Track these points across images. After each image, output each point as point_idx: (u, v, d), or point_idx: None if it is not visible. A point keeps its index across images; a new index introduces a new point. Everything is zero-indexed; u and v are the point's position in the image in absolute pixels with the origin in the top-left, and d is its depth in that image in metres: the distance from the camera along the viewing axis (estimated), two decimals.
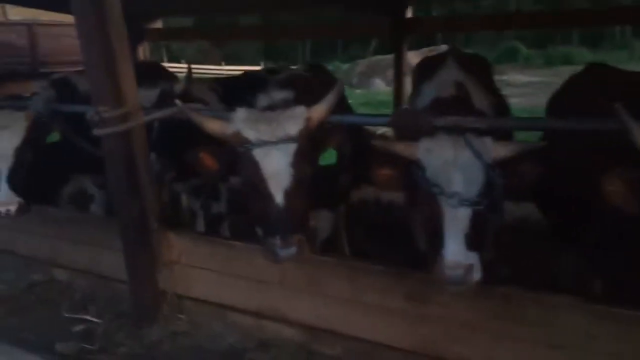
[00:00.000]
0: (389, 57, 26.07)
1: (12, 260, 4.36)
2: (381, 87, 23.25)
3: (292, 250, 2.44)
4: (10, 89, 8.91)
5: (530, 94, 15.52)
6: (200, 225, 4.86)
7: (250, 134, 2.55)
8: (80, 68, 8.68)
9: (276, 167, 2.50)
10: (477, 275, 2.24)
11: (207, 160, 2.79)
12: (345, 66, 28.23)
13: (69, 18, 9.52)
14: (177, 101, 2.86)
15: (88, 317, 3.73)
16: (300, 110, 2.65)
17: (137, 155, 3.36)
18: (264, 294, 3.25)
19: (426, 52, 23.75)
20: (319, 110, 2.69)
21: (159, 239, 3.53)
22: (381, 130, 5.57)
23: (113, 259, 3.84)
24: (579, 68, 4.21)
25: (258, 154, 2.52)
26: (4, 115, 3.78)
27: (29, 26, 8.98)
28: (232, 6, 8.48)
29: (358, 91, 21.55)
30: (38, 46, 9.10)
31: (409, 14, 7.15)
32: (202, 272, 3.50)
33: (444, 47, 25.48)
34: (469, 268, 2.21)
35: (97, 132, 3.25)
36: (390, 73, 25.29)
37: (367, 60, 27.37)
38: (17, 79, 8.92)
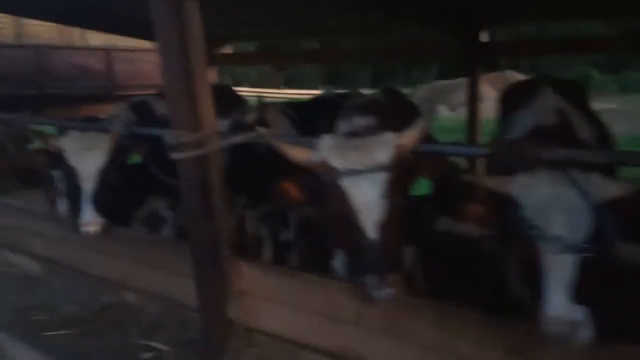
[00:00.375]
0: (453, 82, 25.71)
1: (85, 280, 4.38)
2: (444, 113, 22.85)
3: (389, 291, 2.25)
4: (87, 110, 9.27)
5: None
6: (267, 253, 4.76)
7: (337, 162, 2.41)
8: (153, 91, 8.96)
9: (368, 198, 2.34)
10: (585, 332, 1.98)
11: (291, 190, 2.66)
12: (407, 91, 27.95)
13: (144, 44, 9.95)
14: (260, 127, 2.75)
15: (157, 345, 3.66)
16: (390, 137, 2.49)
17: (213, 180, 3.29)
18: (339, 332, 3.07)
19: (492, 77, 23.32)
20: (410, 137, 2.52)
21: (230, 267, 3.43)
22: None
23: (184, 285, 3.77)
24: None
25: (347, 183, 2.36)
26: (89, 137, 3.84)
27: (107, 51, 9.31)
28: (296, 31, 8.51)
29: None
30: (115, 70, 9.42)
31: (484, 37, 6.92)
32: (274, 304, 3.36)
33: (510, 73, 25.02)
34: (576, 324, 1.96)
35: (173, 156, 3.20)
36: (454, 98, 25.01)
37: (429, 85, 27.00)
38: (94, 101, 9.25)
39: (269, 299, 3.38)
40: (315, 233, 3.51)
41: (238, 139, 3.20)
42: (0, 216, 5.04)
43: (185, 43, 3.05)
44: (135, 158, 4.08)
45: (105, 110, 10.03)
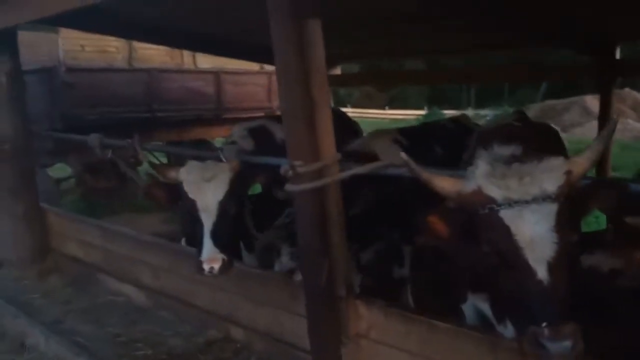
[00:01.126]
0: (563, 102, 24.09)
1: (190, 312, 4.21)
2: None
3: (566, 343, 1.81)
4: (196, 133, 9.42)
5: None
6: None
7: (495, 192, 2.00)
8: (260, 114, 8.89)
9: (536, 233, 1.93)
10: None
11: (437, 225, 2.27)
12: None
13: (251, 66, 10.00)
14: (403, 154, 2.36)
15: None
16: (559, 163, 2.04)
17: (331, 213, 2.97)
18: None
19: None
20: (582, 163, 2.07)
21: (347, 307, 3.07)
22: None
23: (295, 324, 3.48)
24: None
25: (507, 216, 1.96)
26: (208, 167, 3.54)
27: (216, 74, 9.41)
28: (402, 51, 8.16)
29: None
30: (223, 93, 9.48)
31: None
32: (394, 351, 2.96)
33: (627, 91, 23.15)
34: None
35: (289, 188, 2.91)
36: (566, 118, 23.46)
37: (539, 105, 25.59)
38: (203, 124, 9.35)
39: (389, 345, 2.99)
40: (437, 271, 3.07)
41: (361, 169, 2.85)
42: (111, 243, 5.02)
43: (306, 68, 2.79)
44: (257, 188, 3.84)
45: (214, 133, 10.27)
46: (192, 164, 3.57)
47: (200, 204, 3.38)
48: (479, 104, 34.39)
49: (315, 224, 2.96)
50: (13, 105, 5.48)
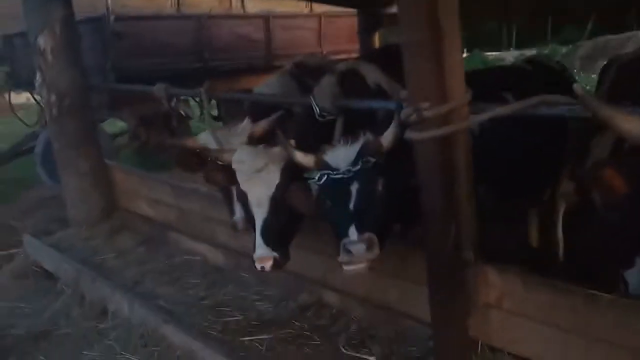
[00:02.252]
0: (619, 37, 22.81)
1: (277, 275, 3.90)
2: None
3: None
4: (246, 83, 8.98)
5: None
6: None
7: None
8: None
9: None
10: None
11: (614, 179, 1.86)
12: (563, 50, 25.22)
13: (301, 8, 9.42)
14: (577, 85, 1.92)
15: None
16: None
17: (460, 165, 2.56)
18: None
19: None
20: None
21: (476, 274, 2.70)
22: None
23: (401, 291, 3.15)
24: None
25: None
26: (259, 153, 3.15)
27: (266, 18, 8.89)
28: None
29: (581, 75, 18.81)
30: (273, 39, 8.97)
31: None
32: (535, 325, 2.60)
33: None
34: None
35: (411, 135, 2.50)
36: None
37: (591, 42, 24.15)
38: (252, 72, 8.91)
39: (528, 317, 2.62)
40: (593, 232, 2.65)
41: (504, 110, 2.40)
42: (184, 201, 4.74)
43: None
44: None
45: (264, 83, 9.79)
46: (242, 150, 3.21)
47: (251, 198, 3.05)
48: (521, 45, 32.63)
49: (441, 178, 2.56)
50: (69, 57, 5.15)
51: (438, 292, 2.76)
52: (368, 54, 6.86)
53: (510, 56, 21.08)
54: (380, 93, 3.68)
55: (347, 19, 10.01)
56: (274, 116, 3.60)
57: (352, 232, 2.57)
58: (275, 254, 2.99)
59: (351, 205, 2.65)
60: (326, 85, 3.48)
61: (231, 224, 3.54)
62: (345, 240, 2.57)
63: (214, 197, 4.28)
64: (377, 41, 8.59)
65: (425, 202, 2.66)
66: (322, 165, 2.79)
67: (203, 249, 4.61)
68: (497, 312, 2.74)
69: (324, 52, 9.86)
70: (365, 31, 8.48)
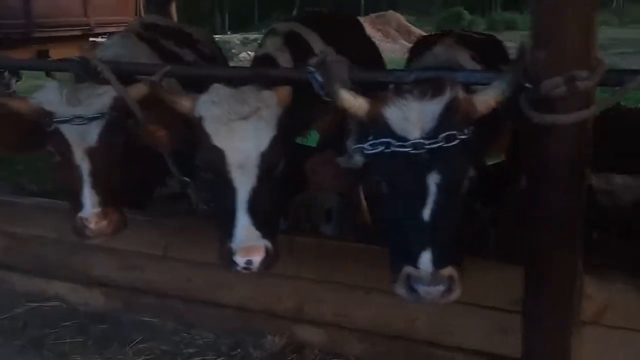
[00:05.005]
0: None
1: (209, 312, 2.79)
2: None
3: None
4: None
5: None
6: None
7: None
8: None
9: None
10: None
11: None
12: None
13: None
14: None
15: None
16: None
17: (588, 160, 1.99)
18: None
19: (373, 18, 22.74)
20: None
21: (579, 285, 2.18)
22: None
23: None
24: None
25: None
26: (244, 96, 2.15)
27: None
28: None
29: None
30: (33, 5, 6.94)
31: None
32: None
33: (391, 13, 24.53)
34: None
35: (536, 118, 1.82)
36: None
37: None
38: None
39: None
40: None
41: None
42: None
43: None
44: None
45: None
46: (219, 90, 2.18)
47: (230, 156, 2.06)
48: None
49: (572, 175, 1.96)
50: None
51: (540, 306, 2.16)
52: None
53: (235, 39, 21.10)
54: None
55: None
56: (158, 73, 2.45)
57: (425, 261, 1.75)
58: (266, 242, 2.04)
59: (428, 210, 1.79)
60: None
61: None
62: (411, 272, 1.77)
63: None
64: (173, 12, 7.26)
65: (542, 205, 2.01)
66: (381, 126, 1.86)
67: (62, 289, 3.18)
68: (594, 328, 2.27)
69: (92, 25, 8.13)
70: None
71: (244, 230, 2.00)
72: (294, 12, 33.61)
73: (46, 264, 3.20)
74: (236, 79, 2.37)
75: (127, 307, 3.05)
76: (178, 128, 2.20)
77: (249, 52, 15.98)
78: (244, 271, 2.03)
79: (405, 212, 1.81)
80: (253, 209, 2.02)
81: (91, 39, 8.80)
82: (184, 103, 2.16)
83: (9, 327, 2.99)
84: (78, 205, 2.29)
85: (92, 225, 2.26)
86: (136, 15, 9.39)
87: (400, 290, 1.80)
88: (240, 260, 2.00)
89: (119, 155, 2.40)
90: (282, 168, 2.17)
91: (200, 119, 2.11)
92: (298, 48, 2.72)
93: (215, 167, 2.09)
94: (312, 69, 2.22)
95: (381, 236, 2.04)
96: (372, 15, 24.00)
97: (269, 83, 2.28)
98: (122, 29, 9.37)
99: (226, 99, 2.09)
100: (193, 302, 2.90)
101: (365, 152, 1.88)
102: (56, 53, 7.48)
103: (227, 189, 2.06)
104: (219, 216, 2.18)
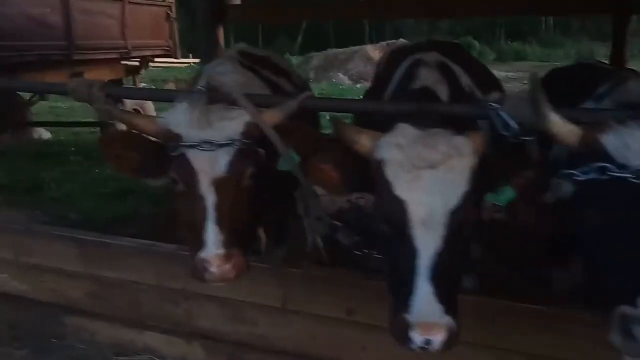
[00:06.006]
0: (346, 51, 24.71)
1: None
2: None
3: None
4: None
5: None
6: None
7: None
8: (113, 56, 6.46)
9: None
10: None
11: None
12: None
13: None
14: None
15: None
16: None
17: None
18: None
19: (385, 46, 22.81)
20: None
21: None
22: None
23: None
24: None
25: None
26: (434, 138, 1.85)
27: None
28: None
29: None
30: (74, 24, 6.71)
31: None
32: None
33: (401, 42, 24.73)
34: None
35: None
36: (350, 67, 24.07)
37: (323, 54, 25.92)
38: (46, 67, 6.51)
39: None
40: None
41: None
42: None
43: None
44: None
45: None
46: (405, 130, 1.90)
47: (414, 212, 1.77)
48: None
49: None
50: None
51: None
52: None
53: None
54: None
55: (151, 8, 8.27)
56: (291, 102, 2.27)
57: None
58: (450, 319, 1.72)
59: None
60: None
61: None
62: (631, 314, 1.52)
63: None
64: (221, 38, 7.05)
65: None
66: (598, 150, 1.70)
67: (156, 342, 2.86)
68: None
69: (129, 48, 7.93)
70: (205, 25, 6.88)
71: (425, 303, 1.70)
72: (299, 38, 33.89)
73: (138, 313, 2.89)
74: (396, 114, 2.10)
75: None
76: (351, 170, 1.93)
77: None
78: (420, 351, 1.72)
79: (629, 247, 1.61)
80: (436, 277, 1.72)
81: (123, 62, 8.62)
82: (365, 143, 1.89)
83: None
84: (198, 244, 2.02)
85: (214, 269, 1.98)
86: (170, 39, 9.23)
87: (616, 337, 1.54)
88: (418, 338, 1.69)
89: (249, 189, 2.15)
90: (472, 229, 1.87)
91: (380, 162, 1.83)
92: (452, 82, 2.45)
93: (394, 221, 1.79)
94: (496, 105, 1.97)
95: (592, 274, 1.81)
96: (383, 43, 24.20)
97: (430, 121, 2.01)
98: (157, 52, 9.28)
99: (413, 143, 1.82)
100: None
101: (577, 178, 1.73)
102: (91, 76, 7.25)
103: (406, 248, 1.76)
104: (392, 276, 1.89)
